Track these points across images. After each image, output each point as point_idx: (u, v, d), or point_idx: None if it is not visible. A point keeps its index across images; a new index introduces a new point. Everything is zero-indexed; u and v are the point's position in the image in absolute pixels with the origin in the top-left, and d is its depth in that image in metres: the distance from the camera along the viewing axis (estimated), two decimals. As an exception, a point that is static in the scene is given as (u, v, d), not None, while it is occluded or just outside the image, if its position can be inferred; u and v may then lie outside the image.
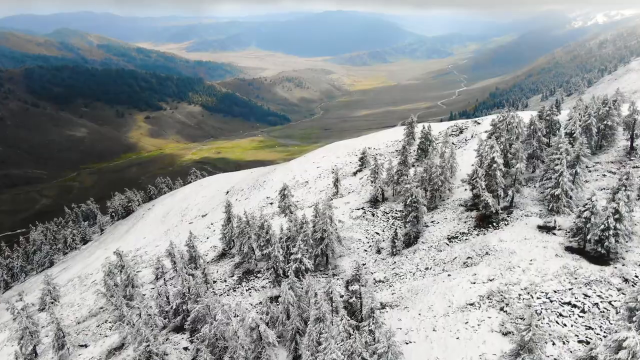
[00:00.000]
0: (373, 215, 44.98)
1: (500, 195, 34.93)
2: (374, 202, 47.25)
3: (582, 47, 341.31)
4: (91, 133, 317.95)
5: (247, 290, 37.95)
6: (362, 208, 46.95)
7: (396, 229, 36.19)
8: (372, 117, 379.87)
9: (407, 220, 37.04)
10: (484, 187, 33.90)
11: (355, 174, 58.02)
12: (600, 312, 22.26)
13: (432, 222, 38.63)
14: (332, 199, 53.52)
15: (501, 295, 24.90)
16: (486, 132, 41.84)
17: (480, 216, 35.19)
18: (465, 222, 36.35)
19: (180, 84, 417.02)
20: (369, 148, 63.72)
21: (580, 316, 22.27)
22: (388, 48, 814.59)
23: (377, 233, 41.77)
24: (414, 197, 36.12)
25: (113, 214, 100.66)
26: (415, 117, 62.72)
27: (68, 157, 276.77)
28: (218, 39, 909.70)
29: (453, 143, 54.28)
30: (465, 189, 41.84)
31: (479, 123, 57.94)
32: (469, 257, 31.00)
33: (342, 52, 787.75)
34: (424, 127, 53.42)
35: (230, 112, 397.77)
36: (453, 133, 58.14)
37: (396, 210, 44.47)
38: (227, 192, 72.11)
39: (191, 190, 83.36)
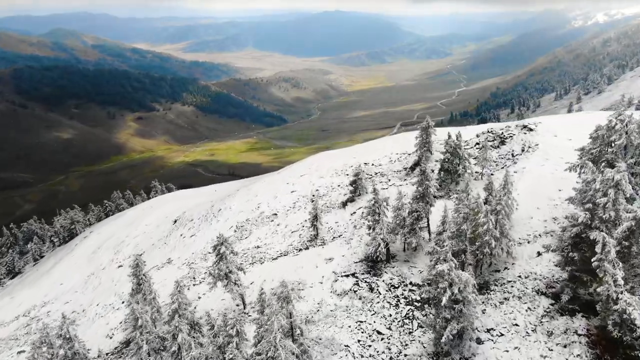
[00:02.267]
0: (371, 290, 26.05)
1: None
2: (374, 262, 28.35)
3: (585, 45, 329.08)
4: (81, 135, 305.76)
5: None
6: (354, 274, 27.96)
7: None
8: (370, 118, 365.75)
9: (442, 335, 18.12)
10: (619, 281, 14.99)
11: (344, 204, 38.99)
12: None
13: (486, 331, 19.60)
14: (307, 247, 34.67)
15: None
16: (581, 150, 22.79)
17: (604, 340, 16.29)
18: (565, 348, 17.30)
19: (175, 85, 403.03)
20: (365, 164, 44.70)
21: None
22: (386, 48, 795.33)
23: (380, 333, 22.84)
24: (454, 290, 17.21)
25: (53, 238, 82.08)
26: (431, 120, 43.99)
27: (57, 159, 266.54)
28: (216, 39, 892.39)
29: (494, 161, 35.34)
30: (539, 253, 22.94)
31: (530, 129, 38.26)
32: None
33: (340, 52, 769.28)
34: (449, 136, 34.14)
35: (225, 112, 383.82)
36: (490, 144, 38.82)
37: (412, 283, 25.55)
38: (175, 222, 53.14)
39: (137, 213, 64.26)
